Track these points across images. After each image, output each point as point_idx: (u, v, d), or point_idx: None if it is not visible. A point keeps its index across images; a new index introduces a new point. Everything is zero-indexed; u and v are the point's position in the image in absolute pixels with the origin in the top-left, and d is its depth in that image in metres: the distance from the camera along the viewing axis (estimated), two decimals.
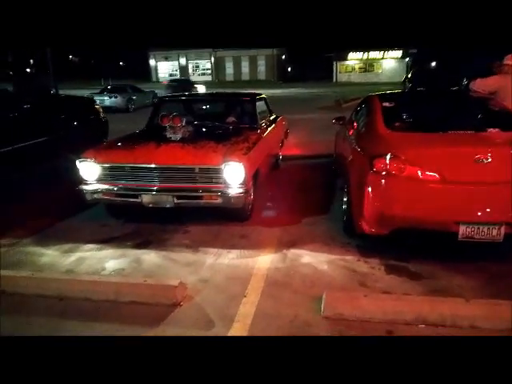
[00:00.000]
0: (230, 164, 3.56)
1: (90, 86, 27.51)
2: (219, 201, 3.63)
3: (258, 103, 5.20)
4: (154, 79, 43.41)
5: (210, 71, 43.29)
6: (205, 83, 37.86)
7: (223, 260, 3.29)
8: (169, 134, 4.02)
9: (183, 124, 4.07)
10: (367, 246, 3.45)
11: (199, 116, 5.18)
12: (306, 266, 3.15)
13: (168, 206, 3.71)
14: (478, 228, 2.83)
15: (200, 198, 3.69)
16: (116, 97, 15.77)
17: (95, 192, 3.79)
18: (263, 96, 5.78)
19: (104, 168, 3.77)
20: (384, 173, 3.02)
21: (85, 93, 16.75)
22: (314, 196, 4.91)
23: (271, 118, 5.80)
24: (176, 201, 3.67)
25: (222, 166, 3.57)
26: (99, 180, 3.80)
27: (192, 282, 2.90)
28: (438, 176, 2.92)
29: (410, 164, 2.96)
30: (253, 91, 6.72)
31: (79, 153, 3.81)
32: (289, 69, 46.63)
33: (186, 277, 2.96)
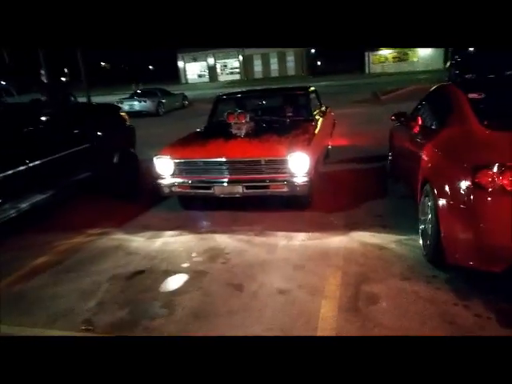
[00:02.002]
0: (295, 155, 3.79)
1: (121, 91, 27.69)
2: (285, 189, 3.87)
3: (310, 95, 5.42)
4: (183, 81, 43.44)
5: (238, 70, 42.74)
6: (233, 82, 37.91)
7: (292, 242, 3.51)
8: (234, 130, 4.37)
9: (247, 120, 4.40)
10: (462, 280, 2.66)
11: (256, 111, 5.30)
12: (385, 316, 2.40)
13: (238, 195, 4.02)
14: None
15: (267, 187, 3.94)
16: (145, 101, 15.43)
17: (172, 186, 4.15)
18: (314, 89, 5.90)
19: (179, 163, 4.10)
20: (493, 189, 2.23)
21: (115, 98, 16.67)
22: (369, 207, 4.17)
23: (322, 109, 5.88)
24: (245, 190, 3.96)
25: (288, 157, 3.80)
26: (174, 174, 4.12)
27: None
28: None
29: None
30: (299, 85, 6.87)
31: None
32: (318, 63, 45.28)
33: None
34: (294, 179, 3.83)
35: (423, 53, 36.26)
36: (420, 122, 3.66)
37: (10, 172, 3.49)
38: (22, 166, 3.63)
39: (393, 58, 37.73)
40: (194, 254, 3.45)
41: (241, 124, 4.38)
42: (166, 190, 4.19)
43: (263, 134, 4.32)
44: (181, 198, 4.45)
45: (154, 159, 4.16)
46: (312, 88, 5.81)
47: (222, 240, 3.67)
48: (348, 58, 40.84)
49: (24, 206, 3.66)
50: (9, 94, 4.74)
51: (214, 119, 5.36)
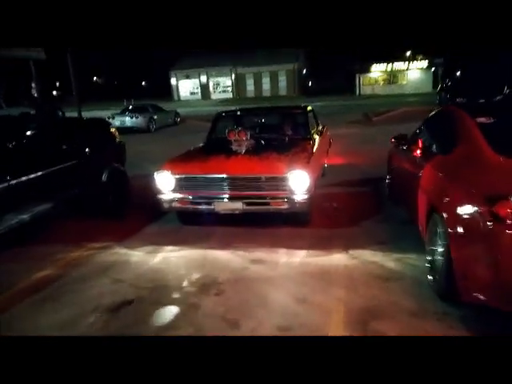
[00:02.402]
0: (295, 172, 3.84)
1: (112, 106, 27.54)
2: (285, 206, 3.89)
3: (308, 115, 5.49)
4: (175, 98, 43.56)
5: (230, 88, 43.10)
6: (226, 100, 38.08)
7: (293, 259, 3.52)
8: (235, 147, 4.41)
9: (247, 137, 4.46)
10: (474, 316, 2.47)
11: (255, 128, 5.35)
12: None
13: (237, 212, 4.01)
14: None
15: (267, 204, 3.96)
16: (137, 117, 15.23)
17: (172, 201, 4.13)
18: (312, 108, 5.97)
19: (179, 179, 4.10)
20: None
21: (106, 113, 16.46)
22: (370, 232, 3.99)
23: (319, 128, 6.09)
24: (245, 207, 3.94)
25: (288, 175, 3.84)
26: (175, 190, 4.11)
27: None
28: None
29: None
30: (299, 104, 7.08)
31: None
32: (309, 83, 45.94)
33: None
34: (294, 196, 3.86)
35: (412, 76, 37.16)
36: (422, 146, 3.53)
37: None
38: (3, 182, 3.37)
39: (383, 80, 38.55)
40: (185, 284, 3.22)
41: (241, 141, 4.44)
42: (166, 206, 4.18)
43: (263, 151, 4.38)
44: (179, 213, 4.43)
45: (155, 174, 4.17)
46: (310, 107, 5.87)
47: (220, 255, 3.67)
48: (339, 80, 41.56)
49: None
50: None
51: (213, 136, 5.41)
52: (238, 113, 6.00)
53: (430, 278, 2.87)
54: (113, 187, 4.75)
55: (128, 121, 15.23)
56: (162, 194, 4.13)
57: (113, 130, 5.17)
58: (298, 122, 5.42)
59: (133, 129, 15.08)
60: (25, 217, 3.64)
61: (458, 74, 16.66)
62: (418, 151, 3.52)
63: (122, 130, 15.48)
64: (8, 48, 3.44)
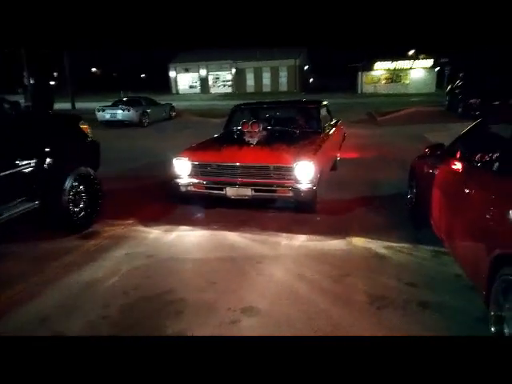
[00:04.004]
0: (301, 163, 4.09)
1: (109, 98, 26.66)
2: (290, 194, 4.19)
3: (320, 109, 5.69)
4: (174, 91, 42.64)
5: (230, 83, 42.20)
6: (225, 95, 37.22)
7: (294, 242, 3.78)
8: (247, 138, 4.70)
9: (260, 129, 4.73)
10: None
11: (269, 121, 5.60)
12: None
13: (247, 197, 4.32)
14: None
15: (274, 191, 4.27)
16: (129, 110, 14.29)
17: (188, 185, 4.49)
18: (325, 103, 6.24)
19: (196, 165, 4.47)
20: None
21: (97, 105, 15.60)
22: (395, 270, 3.25)
23: (332, 122, 6.26)
24: (254, 193, 4.26)
25: (294, 165, 4.10)
26: (191, 175, 4.49)
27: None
28: None
29: None
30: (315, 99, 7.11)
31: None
32: (311, 80, 45.09)
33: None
34: (299, 185, 4.12)
35: (415, 76, 36.40)
36: (472, 162, 2.70)
37: None
38: None
39: (385, 78, 37.73)
40: None
41: (254, 133, 4.70)
42: (183, 189, 4.53)
43: (274, 142, 4.64)
44: (196, 197, 4.71)
45: (174, 160, 4.55)
46: (324, 102, 6.18)
47: (230, 237, 3.96)
48: (340, 77, 40.76)
49: None
50: None
51: (229, 127, 5.71)
52: (254, 106, 6.37)
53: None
54: (79, 195, 3.99)
55: (119, 114, 14.37)
56: (180, 178, 4.52)
57: (84, 126, 4.35)
58: (311, 116, 5.60)
59: (124, 122, 14.27)
60: None
61: (467, 74, 15.84)
62: (466, 168, 2.70)
63: (113, 123, 14.74)
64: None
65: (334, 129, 5.96)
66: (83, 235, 3.97)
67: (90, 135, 4.45)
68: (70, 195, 3.83)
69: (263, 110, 6.24)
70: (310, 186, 4.10)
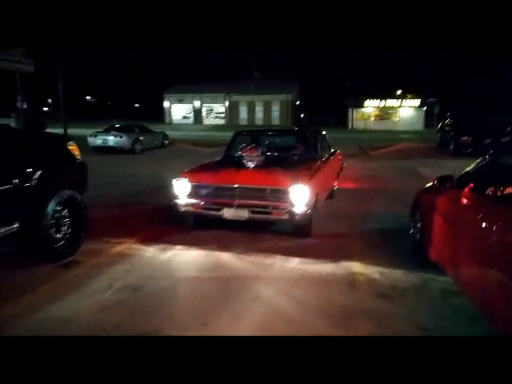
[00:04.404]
0: (297, 187, 4.15)
1: (102, 125, 26.66)
2: (286, 217, 4.21)
3: (319, 137, 5.88)
4: (167, 121, 42.97)
5: (223, 115, 42.78)
6: (218, 126, 37.58)
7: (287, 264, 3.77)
8: (246, 162, 4.87)
9: (258, 154, 4.94)
10: None
11: (269, 147, 5.81)
12: None
13: (243, 219, 4.32)
14: None
15: (270, 213, 4.29)
16: (121, 136, 14.19)
17: (186, 205, 4.54)
18: (324, 132, 6.50)
19: (195, 186, 4.54)
20: None
21: (89, 132, 15.45)
22: (407, 314, 2.99)
23: (330, 151, 6.44)
24: (250, 215, 4.28)
25: (290, 188, 4.17)
26: (190, 196, 4.55)
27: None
28: None
29: None
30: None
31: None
32: (301, 115, 46.02)
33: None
34: (294, 209, 4.17)
35: (404, 114, 37.49)
36: (488, 195, 2.52)
37: None
38: None
39: (375, 115, 38.75)
40: None
41: (252, 157, 4.90)
42: (181, 209, 4.59)
43: (271, 167, 4.80)
44: (194, 217, 4.85)
45: (173, 181, 4.63)
46: (323, 132, 6.42)
47: (223, 257, 3.98)
48: (331, 113, 41.70)
49: None
50: None
51: (230, 152, 5.87)
52: (255, 133, 6.70)
53: None
54: (62, 220, 3.70)
55: (111, 140, 14.24)
56: (179, 198, 4.58)
57: (72, 147, 4.13)
58: (309, 144, 5.77)
59: (115, 148, 14.10)
60: None
61: (456, 112, 16.24)
62: (482, 201, 2.51)
63: (105, 149, 14.56)
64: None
65: (331, 158, 6.13)
66: (64, 264, 3.64)
67: (78, 157, 4.21)
68: (52, 220, 3.53)
69: (263, 136, 6.44)
70: (305, 209, 4.15)
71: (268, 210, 4.26)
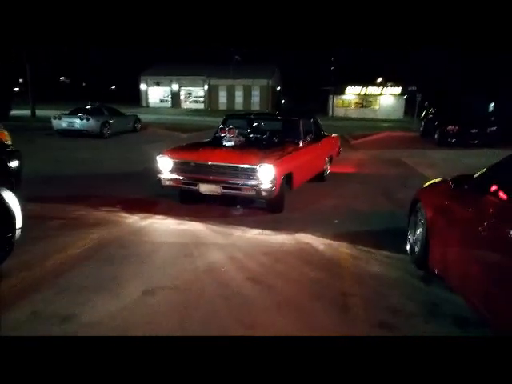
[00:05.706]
0: (263, 165, 4.59)
1: (74, 107, 25.18)
2: (253, 193, 4.67)
3: (303, 122, 6.09)
4: (144, 104, 41.31)
5: (202, 99, 41.45)
6: (196, 111, 36.36)
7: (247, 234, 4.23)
8: (224, 142, 5.46)
9: (236, 135, 5.46)
10: None
11: (253, 129, 6.23)
12: None
13: (216, 193, 4.84)
14: None
15: (239, 189, 4.74)
16: (88, 119, 13.07)
17: (168, 180, 5.05)
18: (313, 118, 6.91)
19: (175, 163, 5.06)
20: None
21: (55, 113, 14.23)
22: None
23: (320, 135, 6.81)
24: (222, 190, 4.77)
25: (257, 167, 4.60)
26: (171, 171, 5.06)
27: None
28: None
29: None
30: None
31: None
32: (282, 101, 45.21)
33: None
34: (261, 186, 4.54)
35: (385, 102, 37.22)
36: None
37: None
38: None
39: (355, 103, 38.35)
40: None
41: (230, 137, 5.38)
42: (164, 183, 5.03)
43: (247, 147, 5.25)
44: (180, 192, 5.28)
45: (157, 157, 5.05)
46: (311, 117, 6.77)
47: (196, 226, 4.47)
48: (312, 99, 41.13)
49: None
50: None
51: (217, 134, 6.12)
52: (244, 116, 7.16)
53: None
54: None
55: (77, 123, 13.13)
56: (162, 174, 5.03)
57: (2, 132, 3.31)
58: (292, 128, 5.96)
59: (82, 132, 13.04)
60: None
61: (441, 101, 15.91)
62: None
63: (70, 132, 13.45)
64: None
65: (320, 142, 6.51)
66: None
67: (9, 144, 3.41)
68: None
69: (250, 119, 6.73)
70: (270, 186, 4.51)
71: (238, 186, 4.65)
